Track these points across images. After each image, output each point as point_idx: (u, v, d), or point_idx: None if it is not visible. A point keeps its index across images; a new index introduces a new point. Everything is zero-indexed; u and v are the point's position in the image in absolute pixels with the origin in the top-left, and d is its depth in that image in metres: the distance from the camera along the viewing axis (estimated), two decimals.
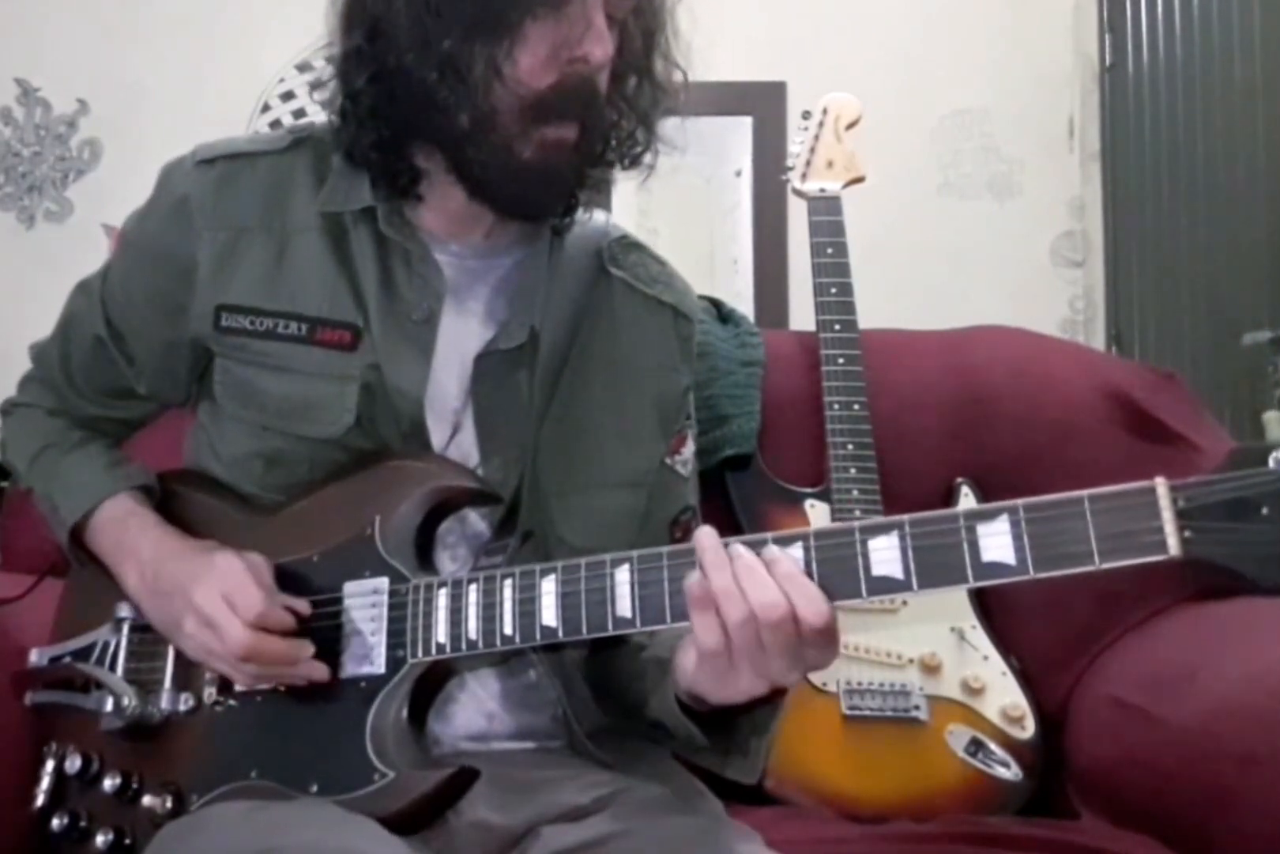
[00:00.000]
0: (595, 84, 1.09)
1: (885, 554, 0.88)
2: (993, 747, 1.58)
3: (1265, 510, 0.77)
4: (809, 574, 0.89)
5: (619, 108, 1.13)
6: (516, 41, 1.03)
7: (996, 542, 0.85)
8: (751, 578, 0.89)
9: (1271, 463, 0.77)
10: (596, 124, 1.11)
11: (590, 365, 1.20)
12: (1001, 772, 1.57)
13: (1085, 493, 0.83)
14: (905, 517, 0.88)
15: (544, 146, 1.08)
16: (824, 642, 0.89)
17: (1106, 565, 0.81)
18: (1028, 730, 1.60)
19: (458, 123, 1.07)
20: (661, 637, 1.08)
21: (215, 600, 1.05)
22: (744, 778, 1.03)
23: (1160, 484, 0.81)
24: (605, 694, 1.18)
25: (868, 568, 0.88)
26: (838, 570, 0.89)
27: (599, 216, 1.24)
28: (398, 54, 1.06)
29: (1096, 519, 0.82)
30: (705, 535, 0.92)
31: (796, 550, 0.90)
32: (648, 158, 1.17)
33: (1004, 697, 1.62)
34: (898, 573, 0.87)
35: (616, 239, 1.27)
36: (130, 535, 1.18)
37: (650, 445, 1.24)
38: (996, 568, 0.85)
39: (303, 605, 1.09)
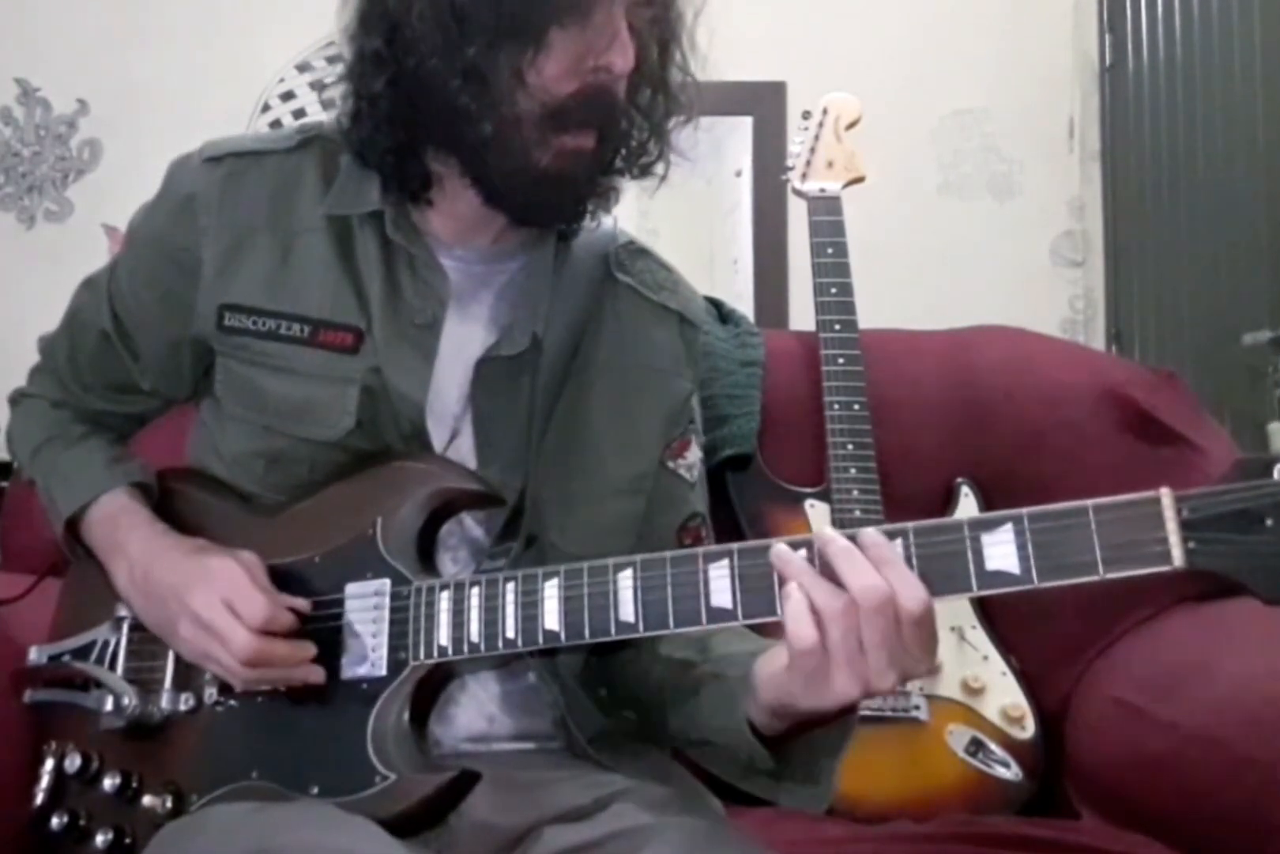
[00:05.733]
0: (615, 93, 1.09)
1: None
2: (993, 747, 1.58)
3: (1269, 522, 0.77)
4: None
5: (632, 117, 1.13)
6: (541, 50, 1.03)
7: (1000, 551, 0.85)
8: (849, 562, 0.86)
9: (1276, 474, 0.77)
10: (613, 133, 1.11)
11: (594, 372, 1.20)
12: (1001, 772, 1.57)
13: (1090, 502, 0.83)
14: (909, 525, 0.88)
15: (562, 154, 1.08)
16: (922, 639, 0.87)
17: (1111, 575, 0.81)
18: (1028, 730, 1.61)
19: (478, 129, 1.06)
20: (721, 653, 1.07)
21: (215, 606, 1.05)
22: (809, 805, 1.00)
23: (1165, 494, 0.81)
24: (627, 703, 1.19)
25: None
26: None
27: (605, 222, 1.24)
28: (419, 59, 1.05)
29: (1101, 529, 0.82)
30: (780, 551, 0.90)
31: (800, 557, 0.89)
32: (659, 167, 1.17)
33: (1004, 697, 1.62)
34: None
35: (623, 245, 1.27)
36: (120, 532, 1.18)
37: (649, 451, 1.24)
38: (1000, 577, 0.85)
39: (303, 604, 1.09)
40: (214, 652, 1.06)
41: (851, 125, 1.90)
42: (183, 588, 1.08)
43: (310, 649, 1.06)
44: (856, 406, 1.71)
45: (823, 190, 1.85)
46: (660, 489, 1.24)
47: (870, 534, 0.88)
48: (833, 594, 0.86)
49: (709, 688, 1.05)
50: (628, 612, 0.96)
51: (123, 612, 1.19)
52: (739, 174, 3.20)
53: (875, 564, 0.86)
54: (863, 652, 0.86)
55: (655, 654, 1.14)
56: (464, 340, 1.17)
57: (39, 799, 1.16)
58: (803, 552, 0.90)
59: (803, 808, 1.01)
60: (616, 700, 1.21)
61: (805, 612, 0.87)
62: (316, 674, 1.06)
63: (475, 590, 1.03)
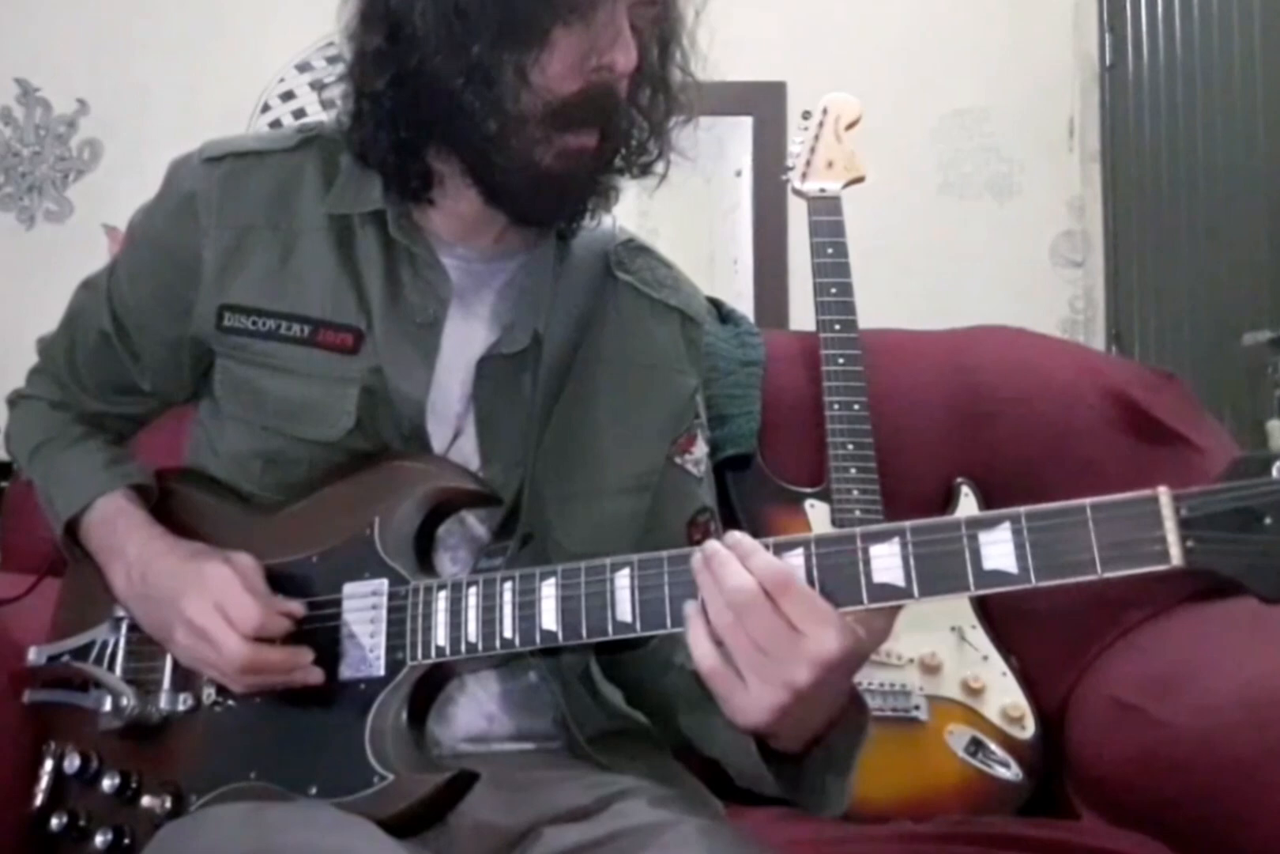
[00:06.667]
0: (617, 92, 1.09)
1: (886, 561, 0.87)
2: (993, 747, 1.58)
3: (1268, 520, 0.77)
4: (810, 581, 0.88)
5: (633, 117, 1.13)
6: (545, 48, 1.03)
7: (998, 549, 0.84)
8: (724, 569, 0.86)
9: (1275, 472, 0.77)
10: (615, 132, 1.11)
11: (595, 369, 1.20)
12: (1001, 772, 1.57)
13: (1088, 501, 0.82)
14: (907, 524, 0.87)
15: (565, 153, 1.08)
16: (804, 610, 0.85)
17: (1109, 574, 0.81)
18: (1028, 730, 1.60)
19: (482, 128, 1.07)
20: None
21: (208, 612, 1.05)
22: (824, 814, 0.99)
23: (1163, 493, 0.80)
24: (642, 707, 1.20)
25: (869, 575, 0.87)
26: (839, 577, 0.88)
27: (605, 220, 1.24)
28: (422, 57, 1.05)
29: (1099, 528, 0.81)
30: (694, 557, 0.90)
31: (796, 557, 0.89)
32: (659, 167, 1.17)
33: (1004, 697, 1.62)
34: (899, 580, 0.86)
35: (623, 243, 1.27)
36: (118, 536, 1.18)
37: (654, 448, 1.24)
38: (998, 576, 0.84)
39: (297, 607, 1.08)
40: (209, 657, 1.05)
41: (851, 125, 1.90)
42: (177, 593, 1.08)
43: (306, 655, 1.06)
44: (856, 407, 1.70)
45: (823, 190, 1.85)
46: (668, 484, 1.24)
47: (732, 534, 0.89)
48: (715, 599, 0.86)
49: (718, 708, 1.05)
50: (625, 611, 0.96)
51: (121, 612, 1.19)
52: (739, 174, 3.20)
53: (741, 560, 0.86)
54: (762, 652, 0.85)
55: (668, 662, 1.14)
56: (466, 339, 1.17)
57: (39, 799, 1.16)
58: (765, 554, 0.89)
59: (816, 813, 1.00)
60: (631, 702, 1.21)
61: (703, 634, 0.87)
62: (315, 676, 1.06)
63: (473, 590, 1.03)
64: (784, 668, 0.85)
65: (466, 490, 1.11)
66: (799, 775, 0.97)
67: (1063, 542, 0.82)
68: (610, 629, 0.96)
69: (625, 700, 1.22)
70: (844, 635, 0.85)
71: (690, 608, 0.89)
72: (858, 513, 1.65)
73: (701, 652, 0.87)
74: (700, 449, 1.28)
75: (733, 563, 0.87)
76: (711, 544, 0.89)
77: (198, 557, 1.12)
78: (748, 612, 0.85)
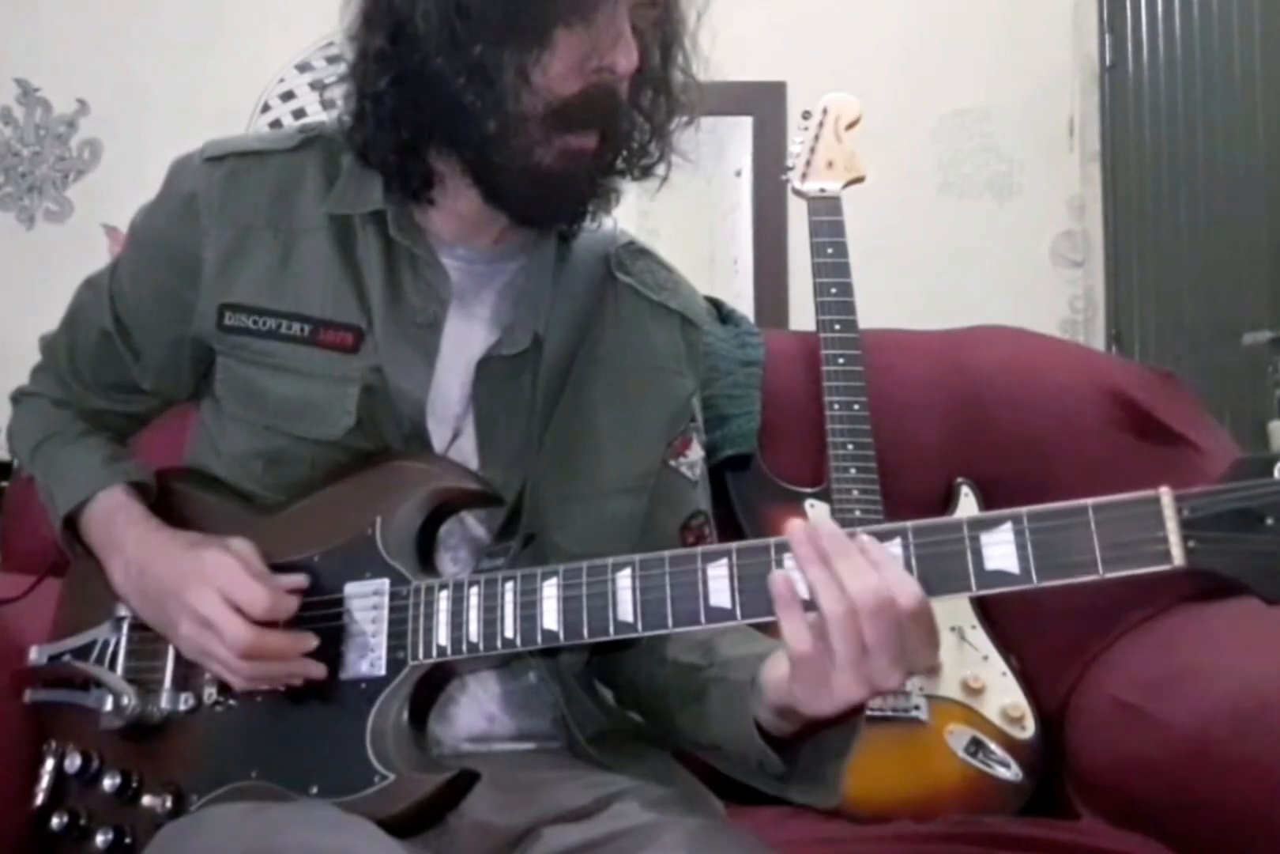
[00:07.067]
0: (618, 93, 1.09)
1: None
2: (993, 747, 1.58)
3: (1269, 521, 0.77)
4: None
5: (634, 119, 1.13)
6: (547, 49, 1.03)
7: (1000, 550, 0.84)
8: (847, 562, 0.86)
9: (1276, 473, 0.77)
10: (616, 133, 1.12)
11: (595, 371, 1.20)
12: (1001, 772, 1.57)
13: (1089, 502, 0.82)
14: (908, 524, 0.88)
15: (565, 154, 1.08)
16: (924, 634, 0.86)
17: (1110, 575, 0.81)
18: (1028, 730, 1.60)
19: (482, 128, 1.07)
20: (727, 657, 1.07)
21: (212, 600, 1.05)
22: (818, 803, 0.99)
23: (1165, 494, 0.80)
24: (635, 706, 1.19)
25: None
26: None
27: (606, 222, 1.24)
28: (424, 57, 1.05)
29: (1100, 528, 0.81)
30: (798, 528, 0.89)
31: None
32: (660, 169, 1.17)
33: (1004, 697, 1.62)
34: None
35: (624, 245, 1.27)
36: (117, 530, 1.18)
37: (653, 449, 1.24)
38: (1000, 576, 0.85)
39: (299, 580, 1.08)
40: (213, 648, 1.05)
41: (851, 125, 1.90)
42: (179, 585, 1.08)
43: (311, 640, 1.06)
44: (856, 407, 1.70)
45: (823, 190, 1.85)
46: (662, 487, 1.24)
47: (861, 537, 0.88)
48: (835, 598, 0.85)
49: (715, 693, 1.05)
50: (626, 611, 0.96)
51: (123, 611, 1.19)
52: (739, 174, 3.21)
53: (872, 564, 0.86)
54: (866, 653, 0.85)
55: (662, 657, 1.14)
56: (466, 340, 1.17)
57: (39, 799, 1.16)
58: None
59: (812, 805, 1.00)
60: (623, 702, 1.21)
61: (801, 620, 0.86)
62: (318, 669, 1.06)
63: (474, 590, 1.03)
64: (879, 673, 0.86)
65: (468, 491, 1.11)
66: (802, 761, 0.98)
67: (1064, 542, 0.83)
68: (612, 629, 0.96)
69: (617, 701, 1.22)
70: (937, 653, 0.88)
71: (780, 584, 0.88)
72: (858, 513, 1.65)
73: (799, 637, 0.86)
74: (695, 452, 1.28)
75: (858, 559, 0.86)
76: (827, 534, 0.88)
77: (196, 547, 1.12)
78: (876, 616, 0.84)
